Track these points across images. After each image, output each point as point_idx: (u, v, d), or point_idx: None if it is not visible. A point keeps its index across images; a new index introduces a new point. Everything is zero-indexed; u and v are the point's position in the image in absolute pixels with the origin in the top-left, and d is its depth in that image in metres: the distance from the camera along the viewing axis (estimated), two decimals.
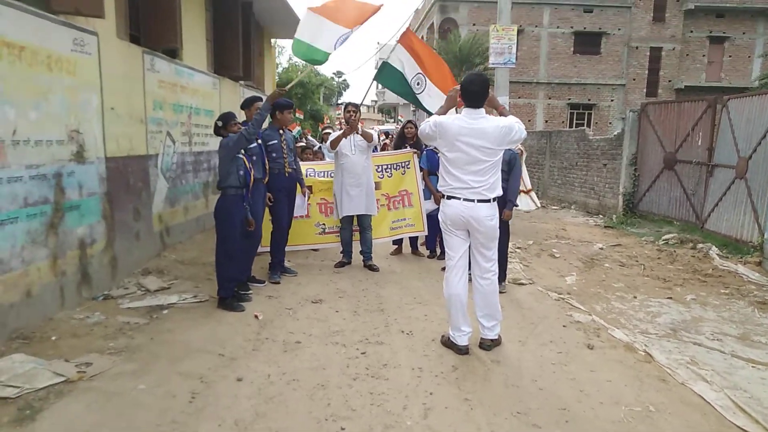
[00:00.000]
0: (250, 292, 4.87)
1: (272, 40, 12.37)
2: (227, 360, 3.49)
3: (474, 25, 24.52)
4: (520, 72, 23.66)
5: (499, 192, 3.58)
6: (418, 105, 6.15)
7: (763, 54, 24.54)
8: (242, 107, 5.08)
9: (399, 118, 35.57)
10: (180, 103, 6.47)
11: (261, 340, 3.87)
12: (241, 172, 4.43)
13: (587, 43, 25.35)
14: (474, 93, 3.50)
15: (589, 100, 25.47)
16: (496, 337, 3.79)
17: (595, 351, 3.80)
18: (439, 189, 3.71)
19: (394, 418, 2.82)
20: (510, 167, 5.49)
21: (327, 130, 9.52)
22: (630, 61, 25.44)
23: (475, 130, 3.45)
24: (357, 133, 5.68)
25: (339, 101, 53.03)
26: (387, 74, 6.26)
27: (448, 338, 3.77)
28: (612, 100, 25.51)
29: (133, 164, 5.27)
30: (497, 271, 3.74)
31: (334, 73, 56.65)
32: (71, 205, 4.23)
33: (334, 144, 5.64)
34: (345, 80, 61.66)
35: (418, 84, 5.91)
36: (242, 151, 4.48)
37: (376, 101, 54.80)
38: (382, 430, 2.70)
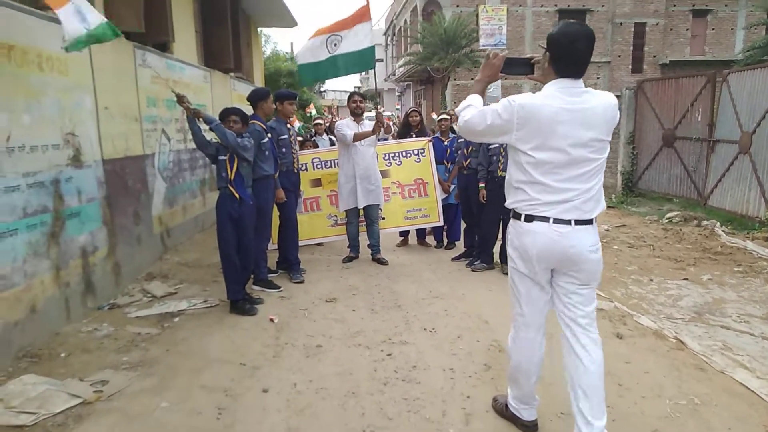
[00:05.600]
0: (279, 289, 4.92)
1: (258, 29, 12.04)
2: (249, 369, 3.34)
3: (458, 6, 24.22)
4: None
5: (603, 206, 2.35)
6: (340, 65, 5.39)
7: (746, 26, 24.57)
8: (248, 100, 4.89)
9: (397, 106, 35.13)
10: (173, 98, 6.20)
11: (281, 345, 3.72)
12: (223, 174, 4.27)
13: (571, 20, 25.17)
14: (579, 54, 2.24)
15: None
16: None
17: (626, 340, 3.71)
18: (512, 206, 2.43)
19: (435, 426, 2.70)
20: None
21: (318, 122, 9.26)
22: (615, 38, 25.34)
23: (580, 112, 2.23)
24: (383, 129, 5.62)
25: (322, 89, 52.42)
26: (305, 73, 5.69)
27: (506, 406, 2.74)
28: (598, 78, 25.43)
29: (130, 165, 5.04)
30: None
31: None
32: (71, 212, 4.02)
33: (358, 138, 5.47)
34: None
35: (334, 45, 5.32)
36: (226, 152, 4.27)
37: (359, 87, 54.32)
38: None
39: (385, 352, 3.59)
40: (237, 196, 4.28)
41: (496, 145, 5.35)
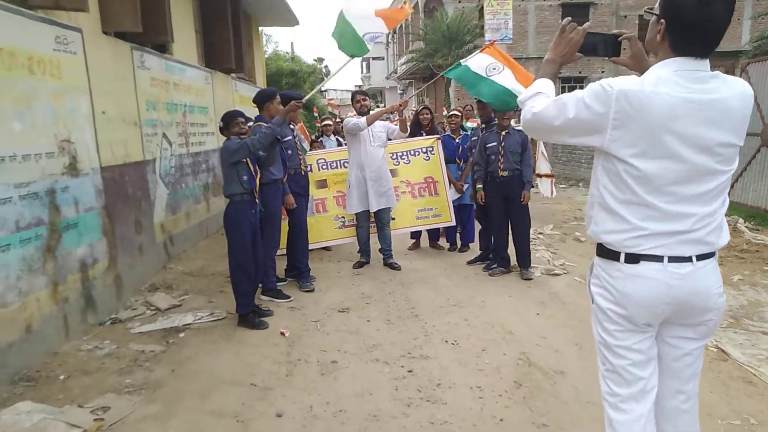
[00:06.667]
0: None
1: (260, 29, 11.79)
2: (261, 391, 3.11)
3: (460, 2, 23.93)
4: (509, 48, 23.15)
5: (728, 235, 1.69)
6: (490, 89, 5.02)
7: (753, 15, 24.18)
8: (255, 101, 4.61)
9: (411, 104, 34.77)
10: (174, 101, 5.98)
11: (293, 362, 3.48)
12: (245, 178, 4.02)
13: (575, 14, 24.76)
14: (716, 22, 1.51)
15: (579, 72, 25.05)
16: None
17: None
18: (602, 239, 1.67)
19: None
20: (523, 148, 5.12)
21: (327, 122, 8.98)
22: None
23: (708, 105, 1.53)
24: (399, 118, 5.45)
25: (322, 88, 52.02)
26: (461, 74, 5.31)
27: None
28: (603, 72, 25.11)
29: (130, 172, 4.81)
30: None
31: (314, 60, 55.55)
32: (68, 223, 3.79)
33: (371, 120, 5.27)
34: (326, 66, 60.60)
35: (494, 69, 5.00)
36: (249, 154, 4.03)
37: (361, 86, 54.02)
38: None
39: (405, 368, 3.35)
40: (258, 202, 4.10)
41: (494, 143, 5.10)
